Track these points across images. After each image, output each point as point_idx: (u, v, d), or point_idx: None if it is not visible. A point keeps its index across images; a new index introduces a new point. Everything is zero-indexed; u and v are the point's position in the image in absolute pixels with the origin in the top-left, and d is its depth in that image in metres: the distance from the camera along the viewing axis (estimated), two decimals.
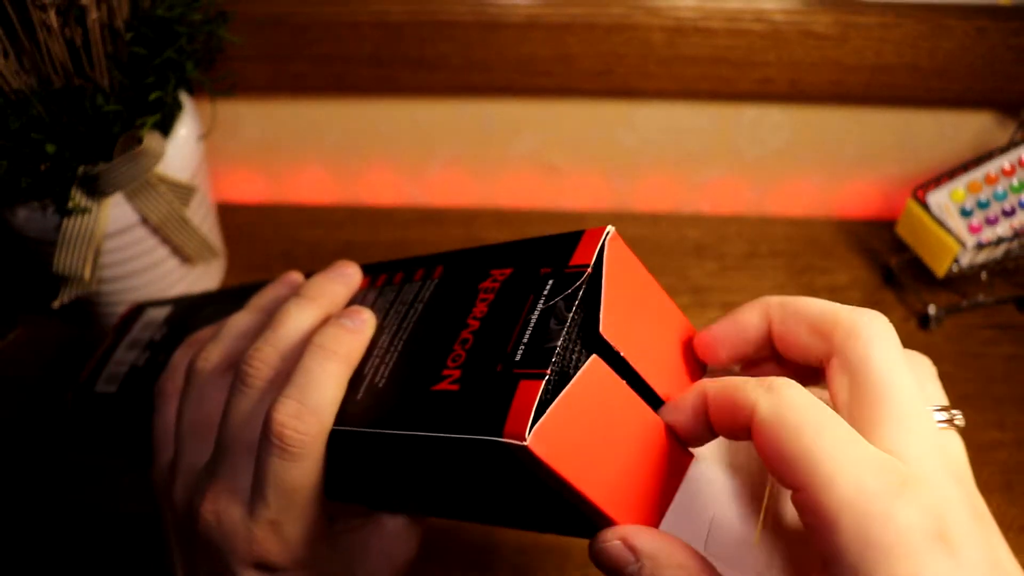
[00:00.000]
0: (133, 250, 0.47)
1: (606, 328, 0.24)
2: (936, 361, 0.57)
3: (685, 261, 0.59)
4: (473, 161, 0.61)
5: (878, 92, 0.55)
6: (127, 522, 0.44)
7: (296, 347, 0.29)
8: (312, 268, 0.57)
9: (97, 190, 0.44)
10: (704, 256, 0.59)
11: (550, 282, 0.25)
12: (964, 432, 0.54)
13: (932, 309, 0.54)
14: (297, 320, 0.29)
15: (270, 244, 0.59)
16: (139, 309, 0.44)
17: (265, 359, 0.28)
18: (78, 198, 0.44)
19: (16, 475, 0.47)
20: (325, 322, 0.29)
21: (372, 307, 0.30)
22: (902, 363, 0.22)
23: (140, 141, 0.44)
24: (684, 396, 0.24)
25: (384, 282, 0.31)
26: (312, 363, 0.27)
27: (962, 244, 0.51)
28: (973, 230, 0.53)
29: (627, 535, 0.23)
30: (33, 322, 0.54)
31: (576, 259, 0.25)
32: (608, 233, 0.25)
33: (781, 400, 0.21)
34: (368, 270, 0.33)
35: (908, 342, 0.59)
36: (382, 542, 0.30)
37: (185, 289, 0.52)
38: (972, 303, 0.55)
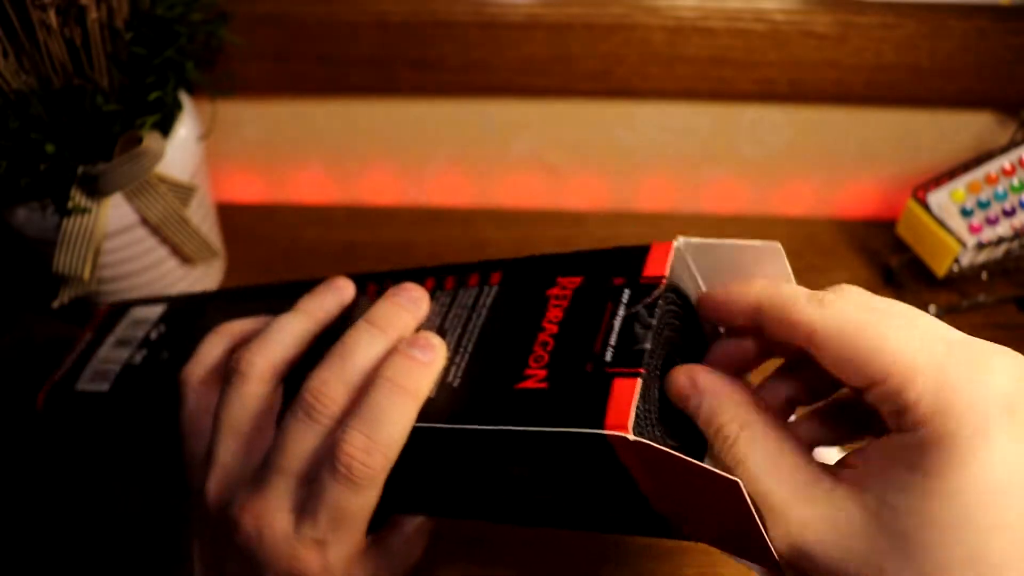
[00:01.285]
0: (133, 250, 0.47)
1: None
2: None
3: None
4: (473, 161, 0.61)
5: (878, 92, 0.55)
6: (129, 524, 0.44)
7: (364, 378, 0.29)
8: (311, 268, 0.57)
9: (97, 190, 0.44)
10: None
11: (627, 291, 0.27)
12: None
13: (932, 309, 0.54)
14: (367, 352, 0.29)
15: (270, 244, 0.59)
16: (123, 308, 0.44)
17: (334, 395, 0.28)
18: (78, 198, 0.43)
19: (16, 475, 0.47)
20: (393, 350, 0.29)
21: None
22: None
23: (140, 141, 0.44)
24: (732, 300, 0.27)
25: (434, 286, 0.32)
26: (383, 399, 0.27)
27: (962, 244, 0.51)
28: (973, 230, 0.53)
29: (693, 372, 0.26)
30: (33, 322, 0.54)
31: (649, 271, 0.28)
32: (677, 247, 0.28)
33: (836, 311, 0.23)
34: (410, 276, 0.33)
35: None
36: (401, 544, 0.31)
37: (185, 289, 0.52)
38: (972, 303, 0.55)
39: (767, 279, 0.26)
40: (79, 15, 0.41)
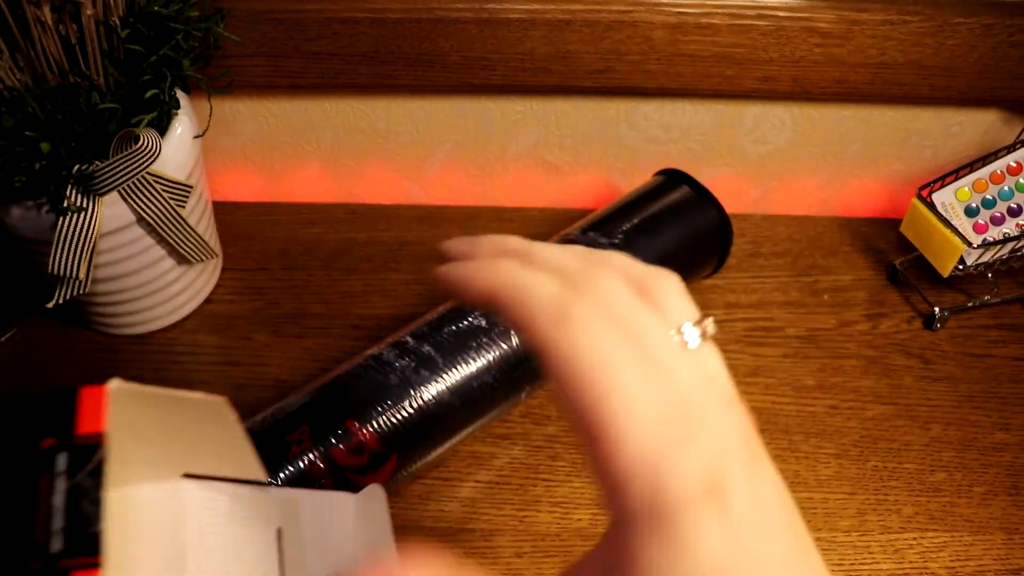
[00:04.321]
0: (129, 249, 0.47)
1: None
2: (941, 362, 0.56)
3: None
4: (472, 159, 0.61)
5: (882, 90, 0.55)
6: None
7: None
8: (308, 267, 0.57)
9: (93, 189, 0.43)
10: None
11: (62, 457, 0.23)
12: (969, 434, 0.53)
13: (937, 309, 0.53)
14: None
15: (268, 243, 0.59)
16: None
17: None
18: (73, 197, 0.43)
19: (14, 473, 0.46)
20: None
21: None
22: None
23: (136, 139, 0.43)
24: (470, 277, 0.23)
25: None
26: None
27: (967, 243, 0.51)
28: (978, 229, 0.53)
29: None
30: (29, 322, 0.53)
31: (84, 427, 0.23)
32: (112, 391, 0.23)
33: (574, 342, 0.20)
34: None
35: (913, 342, 0.59)
36: None
37: (181, 289, 0.52)
38: (977, 303, 0.55)
39: (506, 259, 0.23)
40: (74, 11, 0.41)
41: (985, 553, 0.43)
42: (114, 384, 0.23)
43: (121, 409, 0.23)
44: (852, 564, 0.43)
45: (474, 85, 0.55)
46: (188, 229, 0.48)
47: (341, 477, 0.38)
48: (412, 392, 0.40)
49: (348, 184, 0.63)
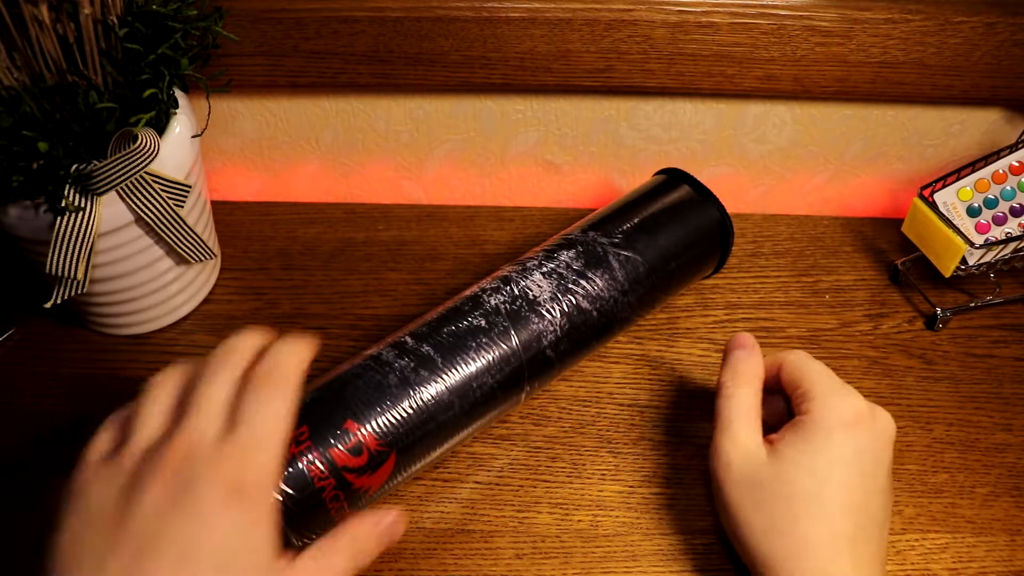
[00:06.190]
0: (127, 250, 0.47)
1: None
2: (943, 363, 0.56)
3: None
4: (472, 159, 0.61)
5: (884, 89, 0.55)
6: None
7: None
8: (308, 267, 0.57)
9: (91, 189, 0.43)
10: None
11: None
12: (971, 435, 0.53)
13: (939, 309, 0.53)
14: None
15: (267, 242, 0.58)
16: None
17: None
18: (71, 197, 0.43)
19: (12, 474, 0.46)
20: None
21: None
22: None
23: (134, 139, 0.43)
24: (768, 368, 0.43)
25: None
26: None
27: (969, 243, 0.50)
28: (980, 229, 0.53)
29: (748, 340, 0.44)
30: (27, 323, 0.53)
31: None
32: None
33: (797, 355, 0.42)
34: None
35: (915, 343, 0.59)
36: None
37: (180, 289, 0.52)
38: (980, 303, 0.55)
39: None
40: (72, 10, 0.41)
41: (988, 555, 0.43)
42: None
43: None
44: None
45: (474, 84, 0.55)
46: (187, 229, 0.48)
47: (340, 477, 0.38)
48: (411, 392, 0.40)
49: (347, 184, 0.62)
